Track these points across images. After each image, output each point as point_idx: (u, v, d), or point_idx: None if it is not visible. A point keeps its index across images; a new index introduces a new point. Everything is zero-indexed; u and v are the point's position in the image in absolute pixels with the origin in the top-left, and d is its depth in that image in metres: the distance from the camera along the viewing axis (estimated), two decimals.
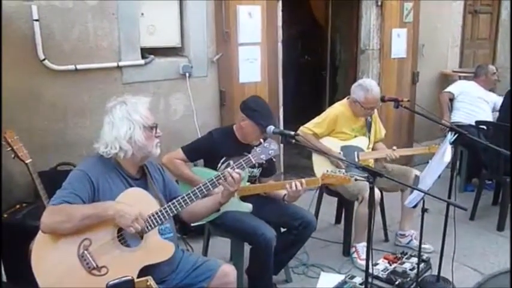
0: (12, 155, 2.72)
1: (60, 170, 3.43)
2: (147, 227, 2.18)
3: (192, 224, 3.29)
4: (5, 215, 3.09)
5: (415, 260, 3.44)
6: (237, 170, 2.38)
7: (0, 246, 2.77)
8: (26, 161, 2.75)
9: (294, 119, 3.89)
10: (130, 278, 1.66)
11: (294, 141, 2.70)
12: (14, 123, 3.21)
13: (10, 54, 3.32)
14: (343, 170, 2.99)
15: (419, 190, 2.56)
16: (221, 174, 2.37)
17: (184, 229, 3.88)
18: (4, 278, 2.90)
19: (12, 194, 3.36)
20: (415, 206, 2.76)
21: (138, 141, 2.24)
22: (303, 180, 2.85)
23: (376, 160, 3.87)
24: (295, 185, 2.82)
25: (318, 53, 7.07)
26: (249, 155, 2.43)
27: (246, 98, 3.19)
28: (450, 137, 2.84)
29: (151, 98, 3.89)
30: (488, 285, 0.89)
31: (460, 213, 4.35)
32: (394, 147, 3.69)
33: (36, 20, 3.38)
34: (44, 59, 3.45)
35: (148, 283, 1.73)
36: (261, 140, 2.60)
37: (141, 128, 2.25)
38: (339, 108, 3.75)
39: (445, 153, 2.65)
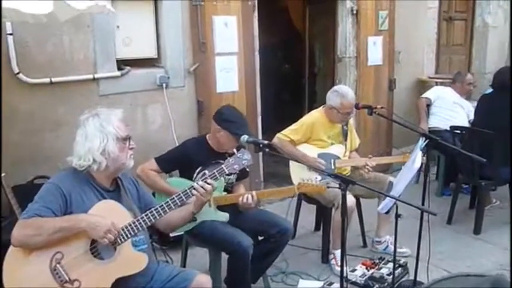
0: None
1: (37, 184, 3.41)
2: (120, 239, 2.19)
3: (171, 235, 3.32)
4: None
5: (392, 265, 3.47)
6: (208, 181, 2.40)
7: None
8: None
9: (275, 128, 3.91)
10: None
11: (267, 150, 2.74)
12: None
13: None
14: (319, 178, 3.03)
15: (390, 196, 2.60)
16: (191, 185, 2.39)
17: (164, 240, 3.87)
18: None
19: None
20: (387, 212, 2.81)
21: (112, 153, 2.26)
22: (254, 193, 2.92)
23: (354, 169, 3.92)
24: (246, 198, 2.89)
25: (298, 61, 7.14)
26: (222, 166, 2.45)
27: (219, 108, 3.22)
28: (421, 143, 2.89)
29: (129, 109, 3.95)
30: None
31: (437, 217, 4.37)
32: (370, 156, 3.74)
33: (10, 34, 3.38)
34: (18, 73, 3.45)
35: None
36: (234, 150, 2.61)
37: (114, 140, 2.26)
38: (315, 115, 3.81)
39: (416, 159, 2.70)
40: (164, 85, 4.08)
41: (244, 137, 2.77)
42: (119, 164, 2.30)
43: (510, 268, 2.93)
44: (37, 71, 3.54)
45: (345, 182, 2.46)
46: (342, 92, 3.69)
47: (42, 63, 3.56)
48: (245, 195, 2.90)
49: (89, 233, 2.10)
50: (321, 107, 3.84)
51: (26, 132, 3.56)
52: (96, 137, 2.24)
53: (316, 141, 3.74)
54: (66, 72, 3.66)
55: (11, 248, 2.09)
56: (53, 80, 3.60)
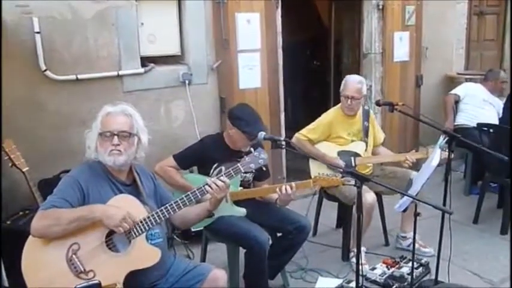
0: (10, 164, 2.81)
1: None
2: (135, 233, 2.24)
3: (192, 229, 3.36)
4: (8, 222, 3.18)
5: (411, 264, 3.43)
6: (221, 178, 2.41)
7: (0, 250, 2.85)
8: (23, 169, 2.83)
9: (303, 124, 3.87)
10: (97, 281, 1.72)
11: (283, 146, 2.75)
12: (17, 132, 3.31)
13: (13, 65, 3.43)
14: (339, 176, 3.01)
15: (406, 195, 2.57)
16: (206, 182, 2.41)
17: (186, 235, 3.93)
18: (6, 283, 2.98)
19: (16, 201, 3.44)
20: (404, 210, 2.77)
21: (93, 146, 2.37)
22: (293, 184, 2.89)
23: (378, 164, 3.88)
24: (285, 189, 2.85)
25: (327, 58, 7.07)
26: (238, 164, 2.46)
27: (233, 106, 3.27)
28: (441, 140, 2.84)
29: (152, 106, 4.02)
30: None
31: (463, 217, 4.38)
32: (414, 150, 3.71)
33: (38, 33, 3.48)
34: (45, 70, 3.55)
35: (117, 287, 1.77)
36: (251, 149, 2.62)
37: (95, 134, 2.37)
38: (332, 113, 3.79)
39: (434, 157, 2.66)
40: (187, 82, 4.13)
41: (261, 134, 2.79)
42: (102, 159, 2.34)
43: (510, 270, 2.84)
44: (63, 68, 3.63)
45: (360, 179, 2.45)
46: (347, 77, 3.73)
47: (68, 60, 3.65)
48: (283, 186, 2.85)
49: (104, 222, 2.16)
50: (339, 104, 3.82)
51: (53, 128, 3.66)
52: (92, 130, 2.39)
53: (336, 139, 3.72)
54: (91, 69, 3.74)
55: (30, 238, 2.16)
56: (79, 76, 3.68)
